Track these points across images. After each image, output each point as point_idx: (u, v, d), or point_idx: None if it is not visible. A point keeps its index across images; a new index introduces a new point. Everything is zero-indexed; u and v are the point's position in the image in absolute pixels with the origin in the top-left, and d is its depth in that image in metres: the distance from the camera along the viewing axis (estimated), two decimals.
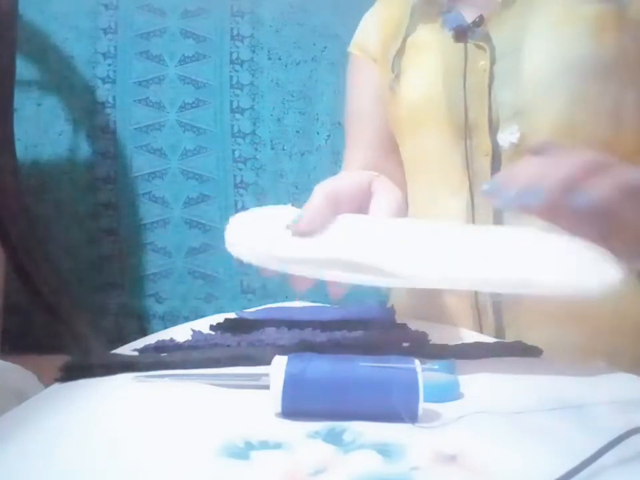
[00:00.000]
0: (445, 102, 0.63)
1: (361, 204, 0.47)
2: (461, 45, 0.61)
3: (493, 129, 0.60)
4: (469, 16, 0.62)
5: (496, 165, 0.60)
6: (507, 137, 0.59)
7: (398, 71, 0.68)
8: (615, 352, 0.55)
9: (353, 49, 0.77)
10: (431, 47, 0.65)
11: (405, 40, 0.68)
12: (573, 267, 0.39)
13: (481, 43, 0.60)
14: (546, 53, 0.57)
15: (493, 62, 0.59)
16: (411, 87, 0.66)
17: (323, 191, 0.45)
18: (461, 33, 0.61)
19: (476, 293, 0.62)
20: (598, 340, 0.58)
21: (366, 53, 0.74)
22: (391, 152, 0.72)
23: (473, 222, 0.62)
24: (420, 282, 0.40)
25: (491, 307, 0.62)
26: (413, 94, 0.66)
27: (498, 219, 0.60)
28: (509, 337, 0.60)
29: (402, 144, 0.71)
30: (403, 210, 0.48)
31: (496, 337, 0.59)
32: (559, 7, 0.58)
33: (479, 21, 0.60)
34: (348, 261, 0.39)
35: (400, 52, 0.68)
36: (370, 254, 0.40)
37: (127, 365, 0.41)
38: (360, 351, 0.45)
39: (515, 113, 0.58)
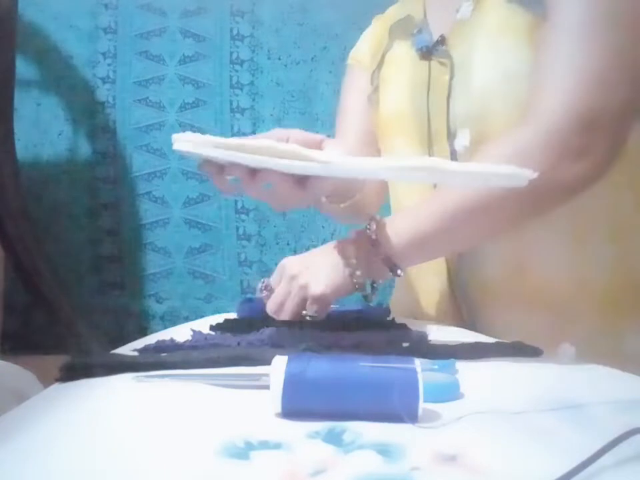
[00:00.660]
0: (411, 114, 0.69)
1: None
2: (426, 61, 0.68)
3: (451, 136, 0.64)
4: (437, 34, 0.67)
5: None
6: (461, 141, 0.63)
7: (376, 84, 0.76)
8: (580, 331, 0.60)
9: (349, 59, 0.85)
10: (403, 63, 0.72)
11: (383, 55, 0.76)
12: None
13: (443, 60, 0.66)
14: (487, 63, 0.61)
15: (452, 76, 0.65)
16: (385, 100, 0.74)
17: (275, 131, 0.53)
18: (426, 52, 0.68)
19: (450, 280, 0.67)
20: (565, 321, 0.62)
21: (359, 62, 0.82)
22: (371, 145, 0.78)
23: None
24: (335, 169, 0.44)
25: (462, 295, 0.66)
26: (386, 107, 0.74)
27: None
28: (481, 325, 0.64)
29: (381, 146, 0.77)
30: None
31: (469, 326, 0.63)
32: (496, 19, 0.62)
33: (441, 40, 0.66)
34: (274, 147, 0.44)
35: (379, 65, 0.76)
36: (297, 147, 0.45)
37: (127, 365, 0.41)
38: (360, 351, 0.46)
39: (467, 119, 0.63)
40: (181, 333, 0.51)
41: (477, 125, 0.62)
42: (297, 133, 0.59)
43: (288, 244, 1.36)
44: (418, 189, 0.70)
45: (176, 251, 1.35)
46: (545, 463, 0.26)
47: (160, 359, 0.43)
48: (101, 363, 0.41)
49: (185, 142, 0.46)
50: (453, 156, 0.64)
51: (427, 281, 0.71)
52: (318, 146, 0.59)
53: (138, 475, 0.26)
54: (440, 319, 0.68)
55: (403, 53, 0.72)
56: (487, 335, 0.56)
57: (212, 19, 1.36)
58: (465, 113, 0.63)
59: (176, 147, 0.46)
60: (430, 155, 0.65)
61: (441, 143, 0.66)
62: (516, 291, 0.63)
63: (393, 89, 0.73)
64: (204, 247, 1.35)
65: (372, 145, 0.78)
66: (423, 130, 0.68)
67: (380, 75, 0.76)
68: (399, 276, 0.56)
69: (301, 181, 0.50)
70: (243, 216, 1.36)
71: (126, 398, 0.37)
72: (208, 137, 0.45)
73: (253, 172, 0.49)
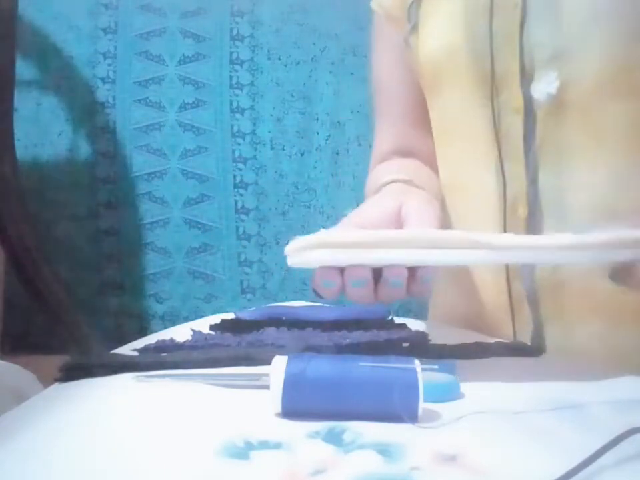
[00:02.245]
0: (466, 51, 0.53)
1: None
2: None
3: (526, 79, 0.50)
4: None
5: (529, 125, 0.51)
6: (544, 87, 0.49)
7: (415, 21, 0.60)
8: None
9: (373, 4, 0.69)
10: None
11: None
12: None
13: None
14: None
15: None
16: (429, 37, 0.58)
17: (351, 225, 0.42)
18: None
19: (509, 286, 0.55)
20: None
21: (384, 9, 0.67)
22: (420, 123, 0.65)
23: (505, 196, 0.53)
24: (510, 254, 0.36)
25: (526, 300, 0.54)
26: (430, 45, 0.58)
27: (532, 195, 0.52)
28: (549, 335, 0.53)
29: (430, 107, 0.63)
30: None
31: (534, 336, 0.53)
32: None
33: None
34: (433, 236, 0.36)
35: (417, 1, 0.60)
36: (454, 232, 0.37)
37: (127, 365, 0.41)
38: (360, 350, 0.46)
39: (553, 56, 0.48)
40: (180, 332, 0.51)
41: (569, 65, 0.47)
42: (375, 220, 0.45)
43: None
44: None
45: (176, 251, 1.35)
46: (545, 462, 0.26)
47: (160, 359, 0.43)
48: (101, 363, 0.41)
49: (302, 255, 0.39)
50: (528, 107, 0.50)
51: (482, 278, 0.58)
52: (398, 225, 0.45)
53: (138, 474, 0.26)
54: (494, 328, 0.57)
55: None
56: (556, 348, 0.50)
57: (212, 19, 1.36)
58: (551, 47, 0.48)
59: (292, 263, 0.40)
60: (495, 108, 0.52)
61: (511, 89, 0.51)
62: (599, 298, 0.49)
63: (439, 23, 0.56)
64: (204, 247, 1.35)
65: (425, 122, 0.64)
66: (483, 73, 0.52)
67: (420, 9, 0.59)
68: None
69: (411, 271, 0.39)
70: (242, 216, 1.36)
71: (126, 398, 0.37)
72: (328, 238, 0.38)
73: (379, 271, 0.39)
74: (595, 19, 0.46)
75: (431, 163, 0.64)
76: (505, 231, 0.54)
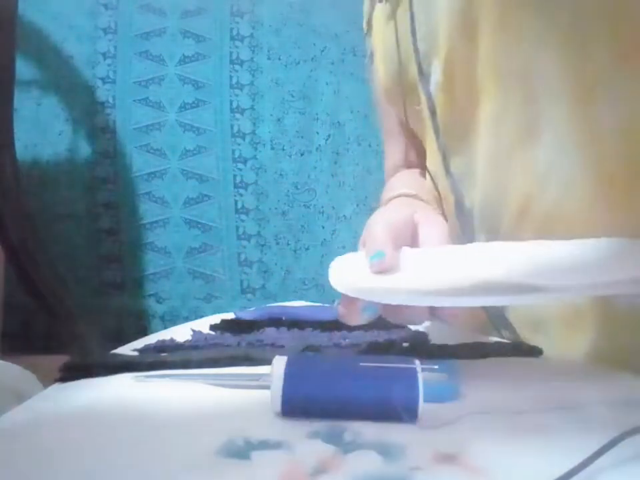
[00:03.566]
0: (391, 74, 0.59)
1: (410, 237, 0.45)
2: (389, 7, 0.56)
3: (424, 79, 0.53)
4: None
5: (435, 121, 0.53)
6: (433, 77, 0.51)
7: (371, 49, 0.66)
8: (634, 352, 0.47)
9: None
10: (379, 21, 0.62)
11: (369, 21, 0.65)
12: None
13: None
14: None
15: (411, 4, 0.53)
16: (376, 66, 0.64)
17: (381, 226, 0.43)
18: None
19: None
20: (615, 342, 0.50)
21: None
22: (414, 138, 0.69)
23: (440, 200, 0.56)
24: (566, 293, 0.36)
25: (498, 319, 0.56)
26: (378, 73, 0.64)
27: (456, 193, 0.54)
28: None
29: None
30: (448, 239, 0.45)
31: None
32: None
33: None
34: (492, 282, 0.36)
35: (368, 31, 0.66)
36: (506, 272, 0.36)
37: (127, 365, 0.41)
38: (360, 351, 0.46)
39: (432, 47, 0.51)
40: (180, 332, 0.51)
41: (446, 48, 0.49)
42: (400, 223, 0.45)
43: (288, 244, 1.36)
44: None
45: (176, 251, 1.35)
46: (545, 462, 0.26)
47: (160, 359, 0.43)
48: (101, 363, 0.41)
49: (349, 288, 0.39)
50: (430, 101, 0.52)
51: None
52: (414, 229, 0.46)
53: (138, 474, 0.26)
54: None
55: (379, 13, 0.61)
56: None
57: (212, 19, 1.36)
58: (430, 36, 0.51)
59: (335, 283, 0.40)
60: (407, 115, 0.56)
61: (417, 92, 0.54)
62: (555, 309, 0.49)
63: (378, 50, 0.63)
64: (204, 247, 1.35)
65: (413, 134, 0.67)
66: (402, 86, 0.56)
67: (372, 41, 0.65)
68: None
69: None
70: (242, 216, 1.36)
71: (126, 398, 0.37)
72: (380, 284, 0.37)
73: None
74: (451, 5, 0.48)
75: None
76: (457, 222, 0.55)
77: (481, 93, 0.49)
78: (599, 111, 0.43)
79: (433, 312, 0.40)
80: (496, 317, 0.56)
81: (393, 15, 0.56)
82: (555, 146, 0.47)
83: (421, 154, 0.66)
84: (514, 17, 0.45)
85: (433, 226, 0.45)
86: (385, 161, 0.77)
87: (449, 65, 0.49)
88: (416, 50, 0.53)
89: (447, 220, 0.53)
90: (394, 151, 0.74)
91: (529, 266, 0.37)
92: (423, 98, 0.53)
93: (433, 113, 0.53)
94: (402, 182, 0.67)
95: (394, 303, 0.38)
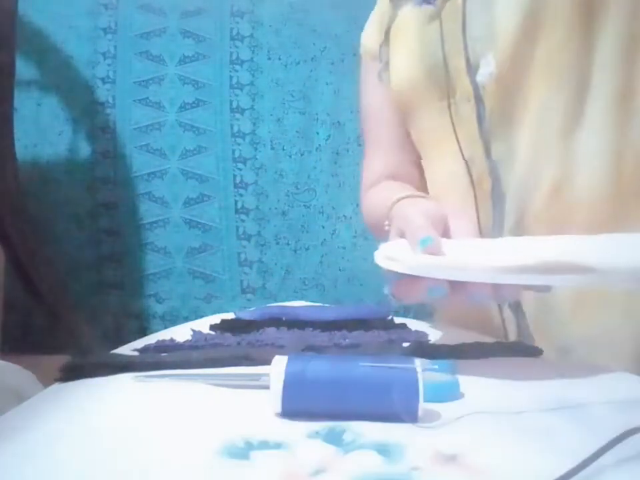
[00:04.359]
0: (423, 70, 0.63)
1: (444, 228, 0.46)
2: (432, 9, 0.61)
3: (472, 70, 0.58)
4: None
5: (480, 108, 0.58)
6: (485, 69, 0.57)
7: (386, 59, 0.70)
8: None
9: (360, 50, 0.78)
10: (408, 27, 0.66)
11: (388, 30, 0.70)
12: None
13: None
14: None
15: (464, 2, 0.58)
16: (396, 71, 0.68)
17: (420, 215, 0.44)
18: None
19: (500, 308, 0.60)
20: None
21: (368, 53, 0.76)
22: (409, 150, 0.72)
23: (471, 177, 0.60)
24: (613, 277, 0.38)
25: (512, 309, 0.59)
26: (398, 77, 0.67)
27: (494, 176, 0.58)
28: (539, 340, 0.56)
29: (410, 131, 0.71)
30: (476, 231, 0.47)
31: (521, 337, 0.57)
32: None
33: None
34: (546, 262, 0.37)
35: (385, 41, 0.70)
36: (561, 252, 0.38)
37: (127, 365, 0.41)
38: (360, 351, 0.46)
39: (489, 43, 0.56)
40: (180, 332, 0.51)
41: (505, 43, 0.55)
42: (437, 212, 0.47)
43: (288, 244, 1.36)
44: None
45: (176, 251, 1.35)
46: (545, 462, 0.26)
47: (160, 359, 0.43)
48: (101, 363, 0.41)
49: (394, 261, 0.40)
50: (477, 93, 0.58)
51: None
52: (445, 220, 0.47)
53: (138, 474, 0.26)
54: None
55: (408, 17, 0.66)
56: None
57: (212, 19, 1.36)
58: (486, 36, 0.56)
59: (380, 262, 0.41)
60: (452, 109, 0.60)
61: (462, 82, 0.59)
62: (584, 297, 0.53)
63: (402, 56, 0.67)
64: (204, 247, 1.35)
65: (411, 148, 0.71)
66: (439, 83, 0.61)
67: (389, 49, 0.69)
68: None
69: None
70: (242, 216, 1.36)
71: (126, 398, 0.37)
72: (442, 262, 0.39)
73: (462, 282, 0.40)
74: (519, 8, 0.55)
75: (418, 186, 0.70)
76: (477, 208, 0.59)
77: (534, 85, 0.55)
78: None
79: (497, 292, 0.41)
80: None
81: (437, 15, 0.61)
82: (595, 136, 0.53)
83: (414, 167, 0.72)
84: (580, 20, 0.53)
85: (462, 218, 0.47)
86: (364, 172, 0.77)
87: (506, 58, 0.55)
88: (465, 44, 0.58)
89: (477, 207, 0.59)
90: (378, 161, 0.75)
91: (585, 249, 0.39)
92: (468, 88, 0.58)
93: (479, 101, 0.58)
94: (401, 186, 0.68)
95: (459, 279, 0.39)
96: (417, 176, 0.72)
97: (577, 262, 0.37)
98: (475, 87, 0.58)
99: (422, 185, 0.71)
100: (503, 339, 0.59)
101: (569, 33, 0.54)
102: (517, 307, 0.58)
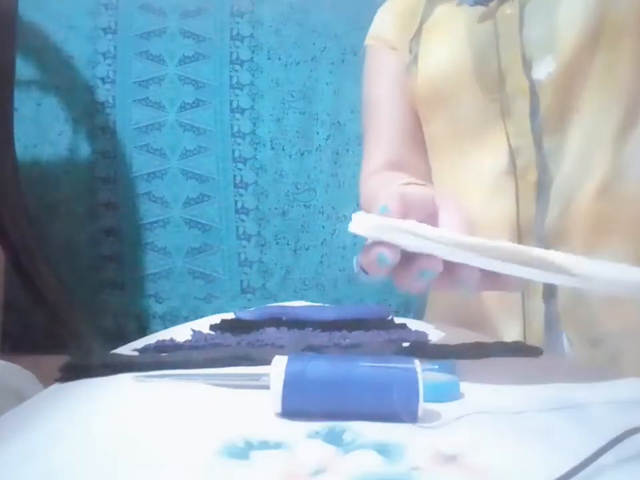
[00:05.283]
0: (472, 64, 0.64)
1: (426, 216, 0.43)
2: (485, 9, 0.63)
3: (527, 66, 0.61)
4: None
5: (534, 102, 0.61)
6: (544, 68, 0.60)
7: (416, 52, 0.71)
8: None
9: (369, 40, 0.78)
10: (452, 23, 0.68)
11: (421, 25, 0.71)
12: None
13: None
14: None
15: (522, 6, 0.61)
16: (431, 63, 0.69)
17: (393, 190, 0.42)
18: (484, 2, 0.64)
19: (523, 298, 0.60)
20: None
21: (383, 41, 0.76)
22: (411, 141, 0.73)
23: (515, 167, 0.62)
24: (592, 283, 0.36)
25: (542, 312, 0.59)
26: (433, 68, 0.68)
27: (542, 167, 0.60)
28: (569, 331, 0.58)
29: (431, 122, 0.71)
30: (468, 228, 0.43)
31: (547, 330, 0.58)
32: None
33: None
34: (515, 251, 0.36)
35: (417, 35, 0.71)
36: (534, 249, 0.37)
37: (127, 365, 0.41)
38: (360, 351, 0.46)
39: (548, 44, 0.59)
40: (180, 332, 0.51)
41: (559, 52, 0.58)
42: (417, 196, 0.43)
43: (288, 244, 1.36)
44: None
45: (176, 251, 1.35)
46: (545, 462, 0.26)
47: (160, 359, 0.43)
48: (101, 363, 0.41)
49: (368, 227, 0.39)
50: (532, 88, 0.60)
51: None
52: (433, 210, 0.44)
53: (138, 474, 0.26)
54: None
55: (449, 15, 0.68)
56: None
57: (212, 19, 1.36)
58: (545, 37, 0.59)
59: (354, 229, 0.40)
60: (503, 99, 0.62)
61: (517, 76, 0.61)
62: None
63: (442, 49, 0.68)
64: (204, 247, 1.35)
65: (415, 140, 0.72)
66: (490, 74, 0.63)
67: (420, 41, 0.71)
68: None
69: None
70: (242, 216, 1.36)
71: (126, 398, 0.37)
72: (402, 224, 0.37)
73: (451, 265, 0.38)
74: (584, 11, 0.58)
75: (422, 175, 0.70)
76: (517, 197, 0.62)
77: (592, 86, 0.58)
78: None
79: (492, 281, 0.39)
80: None
81: (491, 15, 0.64)
82: None
83: (417, 158, 0.73)
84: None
85: (455, 212, 0.43)
86: (364, 161, 0.77)
87: (565, 61, 0.58)
88: (521, 44, 0.61)
89: (517, 196, 0.61)
90: (380, 151, 0.75)
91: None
92: (522, 84, 0.61)
93: (534, 96, 0.60)
94: (397, 176, 0.66)
95: (415, 249, 0.37)
96: (421, 166, 0.72)
97: (538, 254, 0.35)
98: (531, 83, 0.60)
99: (427, 175, 0.72)
100: (495, 336, 0.60)
101: (631, 42, 0.57)
102: (549, 296, 0.59)
